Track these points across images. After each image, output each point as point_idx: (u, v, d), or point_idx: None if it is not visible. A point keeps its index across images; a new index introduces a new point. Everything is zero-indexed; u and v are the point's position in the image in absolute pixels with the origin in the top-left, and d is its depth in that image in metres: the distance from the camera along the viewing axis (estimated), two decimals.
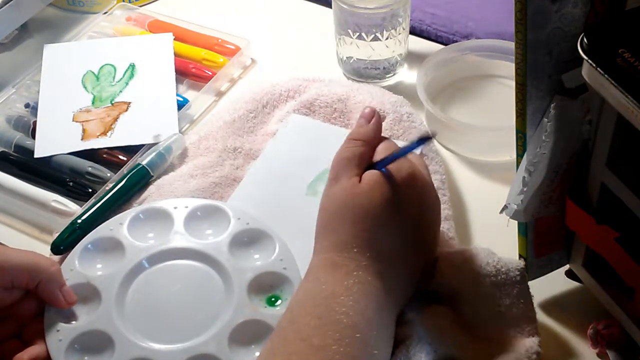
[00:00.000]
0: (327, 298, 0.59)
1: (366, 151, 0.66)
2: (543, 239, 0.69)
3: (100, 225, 0.75)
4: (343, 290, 0.60)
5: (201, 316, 0.68)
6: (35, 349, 0.66)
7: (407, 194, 0.64)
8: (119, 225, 0.74)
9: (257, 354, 0.65)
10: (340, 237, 0.63)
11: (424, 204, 0.66)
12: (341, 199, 0.64)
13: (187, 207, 0.75)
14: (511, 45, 0.60)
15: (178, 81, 0.95)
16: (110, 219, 0.75)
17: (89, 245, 0.73)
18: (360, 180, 0.64)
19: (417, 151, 0.79)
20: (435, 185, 0.76)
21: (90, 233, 0.74)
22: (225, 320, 0.67)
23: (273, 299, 0.69)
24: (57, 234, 0.77)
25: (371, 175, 0.64)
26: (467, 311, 0.66)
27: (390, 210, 0.63)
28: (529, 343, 0.64)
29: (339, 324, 0.57)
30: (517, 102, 0.61)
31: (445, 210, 0.76)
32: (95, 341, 0.66)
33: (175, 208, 0.75)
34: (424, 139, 0.63)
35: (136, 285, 0.70)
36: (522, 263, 0.67)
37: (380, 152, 0.67)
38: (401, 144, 0.69)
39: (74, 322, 0.67)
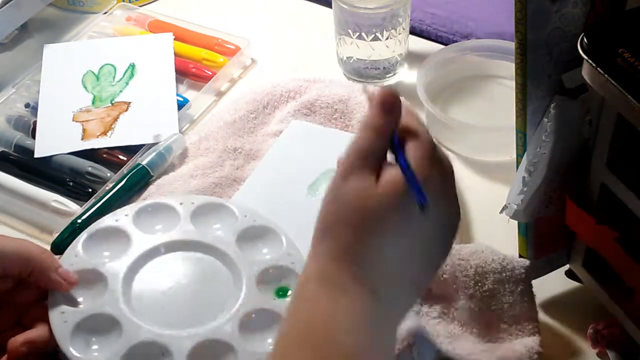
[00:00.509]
0: (321, 325, 0.52)
1: (383, 144, 0.55)
2: (543, 239, 0.69)
3: (106, 216, 0.74)
4: (340, 314, 0.52)
5: (209, 305, 0.68)
6: (32, 333, 0.65)
7: (435, 211, 0.53)
8: (124, 217, 0.73)
9: (269, 340, 0.65)
10: (340, 244, 0.54)
11: (443, 217, 0.56)
12: (350, 199, 0.54)
13: (193, 203, 0.75)
14: (511, 45, 0.60)
15: (178, 81, 0.95)
16: (116, 210, 0.75)
17: (94, 233, 0.72)
18: (377, 179, 0.54)
19: None
20: None
21: (96, 222, 0.73)
22: (234, 309, 0.67)
23: (281, 292, 0.69)
24: (57, 234, 0.77)
25: (390, 176, 0.54)
26: (470, 307, 0.66)
27: (403, 220, 0.54)
28: (530, 342, 0.64)
29: (334, 353, 0.51)
30: (517, 102, 0.61)
31: None
32: (102, 323, 0.66)
33: (181, 204, 0.75)
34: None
35: (143, 274, 0.70)
36: (527, 261, 0.67)
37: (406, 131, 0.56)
38: None
39: (79, 305, 0.67)
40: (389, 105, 0.55)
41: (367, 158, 0.55)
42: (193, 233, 0.73)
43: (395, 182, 0.54)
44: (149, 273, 0.70)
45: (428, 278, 0.59)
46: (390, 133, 0.55)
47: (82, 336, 0.65)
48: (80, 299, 0.67)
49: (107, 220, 0.73)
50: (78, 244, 0.71)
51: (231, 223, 0.74)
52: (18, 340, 0.64)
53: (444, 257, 0.59)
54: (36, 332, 0.65)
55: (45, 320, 0.66)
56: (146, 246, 0.71)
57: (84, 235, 0.72)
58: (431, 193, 0.53)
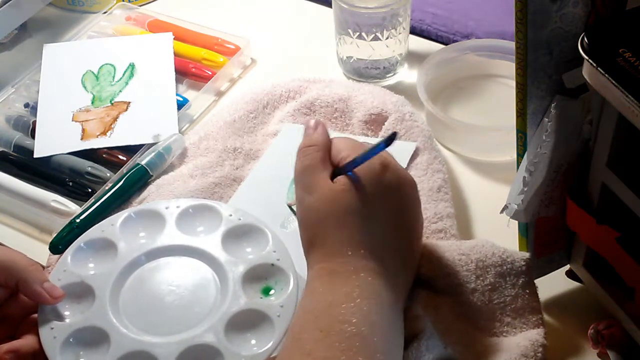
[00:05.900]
0: (327, 308, 0.58)
1: (324, 154, 0.66)
2: (543, 239, 0.68)
3: (93, 227, 0.74)
4: (343, 297, 0.58)
5: (197, 309, 0.68)
6: (18, 342, 0.65)
7: (384, 183, 0.63)
8: (110, 227, 0.74)
9: (254, 341, 0.65)
10: (330, 246, 0.61)
11: (402, 187, 0.64)
12: (320, 206, 0.62)
13: (178, 207, 0.75)
14: (511, 45, 0.60)
15: (178, 81, 0.95)
16: (103, 221, 0.75)
17: (82, 245, 0.73)
18: (333, 182, 0.63)
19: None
20: (437, 184, 0.77)
21: (83, 235, 0.74)
22: (221, 311, 0.67)
23: (267, 290, 0.69)
24: (56, 234, 0.77)
25: (343, 177, 0.63)
26: (473, 302, 0.66)
27: (372, 203, 0.62)
28: (534, 336, 0.64)
29: (343, 334, 0.56)
30: (517, 102, 0.61)
31: (447, 209, 0.76)
32: (91, 336, 0.66)
33: (166, 208, 0.75)
34: (389, 140, 0.61)
35: (130, 283, 0.70)
36: (527, 254, 0.67)
37: (342, 149, 0.66)
38: (362, 139, 0.67)
39: (67, 320, 0.67)
40: (315, 124, 0.68)
41: (316, 169, 0.64)
42: (179, 237, 0.73)
43: (346, 183, 0.62)
44: (136, 282, 0.70)
45: (412, 248, 0.65)
46: (322, 142, 0.66)
47: (71, 350, 0.65)
48: (69, 313, 0.68)
49: (94, 232, 0.74)
50: (66, 258, 0.71)
51: (217, 224, 0.74)
52: (2, 348, 0.64)
53: (420, 224, 0.66)
54: (22, 342, 0.65)
55: (36, 332, 0.66)
56: (132, 255, 0.72)
57: (72, 249, 0.72)
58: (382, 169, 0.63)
